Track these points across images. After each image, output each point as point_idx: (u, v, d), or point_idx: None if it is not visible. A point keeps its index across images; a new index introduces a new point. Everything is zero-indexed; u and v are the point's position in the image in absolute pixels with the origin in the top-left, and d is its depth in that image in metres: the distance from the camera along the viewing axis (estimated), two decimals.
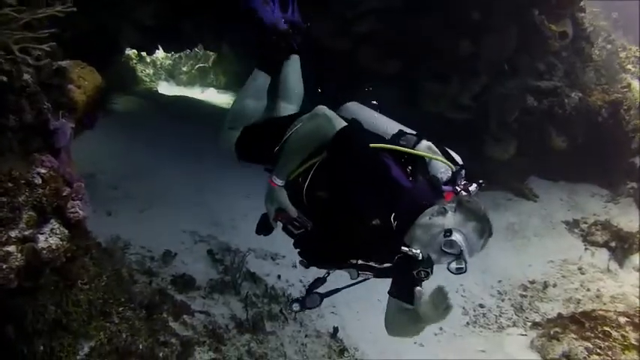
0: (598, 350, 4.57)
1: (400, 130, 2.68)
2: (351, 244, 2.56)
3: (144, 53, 10.34)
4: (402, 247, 2.34)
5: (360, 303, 4.86)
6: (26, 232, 1.97)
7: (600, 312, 5.06)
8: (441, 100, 6.16)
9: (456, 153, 2.73)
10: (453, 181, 2.53)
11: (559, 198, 7.25)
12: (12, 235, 1.94)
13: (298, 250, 2.71)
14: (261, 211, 2.53)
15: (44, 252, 2.00)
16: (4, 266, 1.88)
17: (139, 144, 6.36)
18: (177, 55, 12.99)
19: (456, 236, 2.32)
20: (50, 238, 2.05)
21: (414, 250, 2.32)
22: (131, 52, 10.43)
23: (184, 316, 3.95)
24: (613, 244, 6.29)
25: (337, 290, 2.82)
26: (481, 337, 4.48)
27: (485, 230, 2.40)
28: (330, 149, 2.44)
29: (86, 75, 2.64)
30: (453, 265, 2.32)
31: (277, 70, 3.12)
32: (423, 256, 2.32)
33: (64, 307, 2.82)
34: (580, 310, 5.26)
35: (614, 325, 4.80)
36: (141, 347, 3.26)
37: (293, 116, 2.84)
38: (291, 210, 2.54)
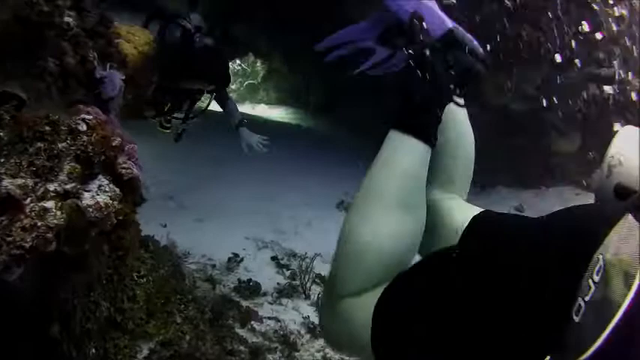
0: None
1: None
2: None
3: None
4: None
5: None
6: (68, 186, 1.47)
7: None
8: (504, 91, 5.58)
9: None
10: None
11: None
12: (50, 189, 1.45)
13: None
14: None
15: (90, 210, 1.49)
16: (40, 224, 1.38)
17: (194, 157, 5.94)
18: None
19: None
20: (98, 195, 1.54)
21: None
22: None
23: (252, 323, 3.44)
24: None
25: None
26: None
27: None
28: None
29: (136, 31, 2.18)
30: None
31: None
32: None
33: (119, 303, 2.34)
34: None
35: None
36: (207, 355, 2.76)
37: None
38: None
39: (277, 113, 11.53)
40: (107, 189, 1.58)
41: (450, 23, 1.25)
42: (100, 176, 1.60)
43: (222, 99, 4.20)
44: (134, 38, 2.11)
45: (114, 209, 1.57)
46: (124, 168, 1.65)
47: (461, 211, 1.33)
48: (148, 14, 3.20)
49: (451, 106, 1.36)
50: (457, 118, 1.43)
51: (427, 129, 1.25)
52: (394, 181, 1.23)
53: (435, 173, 1.40)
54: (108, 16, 2.01)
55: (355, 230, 1.23)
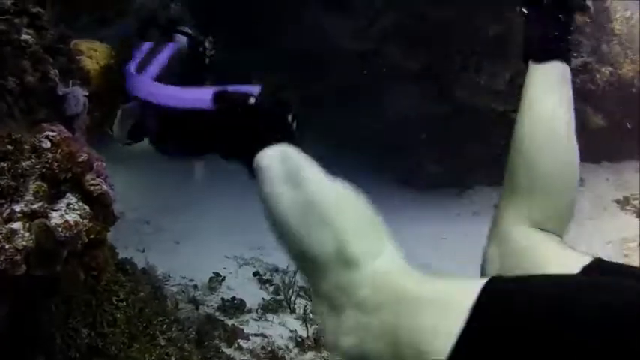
0: None
1: None
2: None
3: None
4: None
5: None
6: (34, 206, 1.43)
7: None
8: (475, 89, 5.62)
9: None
10: None
11: (605, 179, 6.59)
12: (16, 210, 1.40)
13: None
14: None
15: (59, 229, 1.43)
16: (7, 246, 1.32)
17: (169, 179, 5.87)
18: None
19: None
20: (67, 214, 1.49)
21: None
22: None
23: (239, 341, 3.38)
24: None
25: None
26: None
27: None
28: None
29: (96, 47, 2.14)
30: None
31: None
32: None
33: (99, 328, 2.27)
34: None
35: None
36: None
37: None
38: None
39: None
40: (76, 207, 1.52)
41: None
42: (69, 194, 1.54)
43: None
44: (94, 53, 2.07)
45: (84, 228, 1.51)
46: (92, 185, 1.59)
47: (559, 260, 1.04)
48: (141, 22, 3.02)
49: (552, 120, 1.14)
50: (557, 135, 1.15)
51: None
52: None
53: (527, 208, 1.13)
54: (67, 33, 1.96)
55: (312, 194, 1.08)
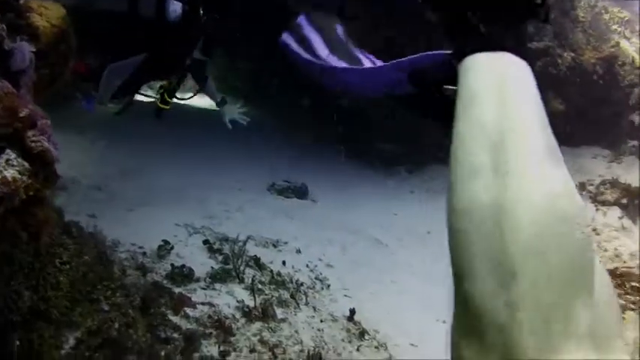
0: (632, 306, 4.14)
1: None
2: None
3: None
4: None
5: (374, 285, 4.39)
6: None
7: (623, 269, 4.63)
8: None
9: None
10: None
11: None
12: None
13: None
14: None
15: None
16: None
17: (123, 147, 5.83)
18: None
19: None
20: (5, 170, 1.50)
21: None
22: None
23: (185, 309, 3.41)
24: (624, 201, 5.86)
25: None
26: None
27: None
28: None
29: (48, 5, 2.12)
30: None
31: None
32: None
33: (42, 291, 2.29)
34: None
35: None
36: (138, 343, 2.72)
37: None
38: None
39: (208, 101, 11.42)
40: (15, 163, 1.53)
41: None
42: (8, 150, 1.55)
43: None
44: (46, 12, 2.05)
45: (23, 184, 1.53)
46: (33, 142, 1.60)
47: None
48: None
49: None
50: None
51: None
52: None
53: None
54: None
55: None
